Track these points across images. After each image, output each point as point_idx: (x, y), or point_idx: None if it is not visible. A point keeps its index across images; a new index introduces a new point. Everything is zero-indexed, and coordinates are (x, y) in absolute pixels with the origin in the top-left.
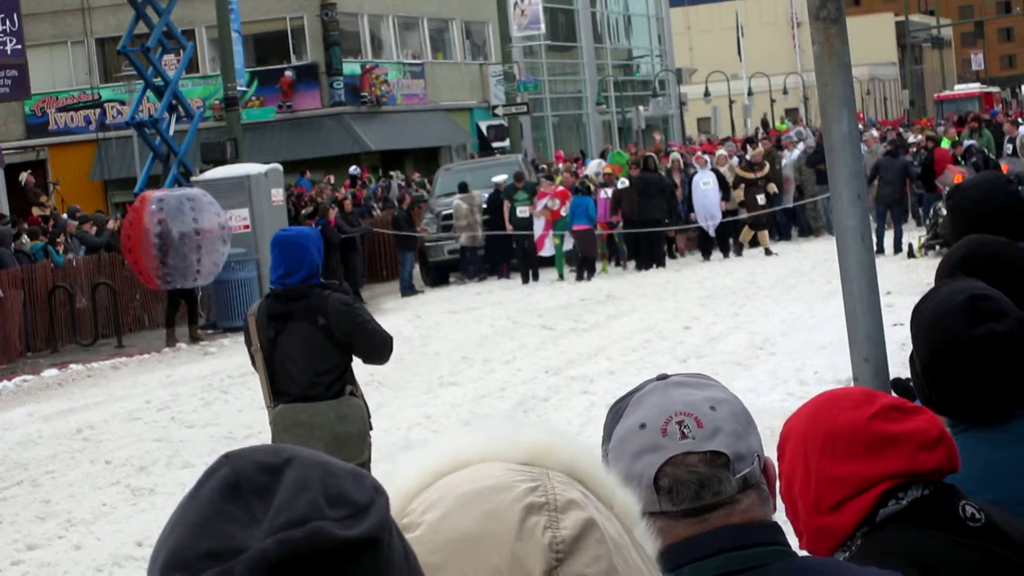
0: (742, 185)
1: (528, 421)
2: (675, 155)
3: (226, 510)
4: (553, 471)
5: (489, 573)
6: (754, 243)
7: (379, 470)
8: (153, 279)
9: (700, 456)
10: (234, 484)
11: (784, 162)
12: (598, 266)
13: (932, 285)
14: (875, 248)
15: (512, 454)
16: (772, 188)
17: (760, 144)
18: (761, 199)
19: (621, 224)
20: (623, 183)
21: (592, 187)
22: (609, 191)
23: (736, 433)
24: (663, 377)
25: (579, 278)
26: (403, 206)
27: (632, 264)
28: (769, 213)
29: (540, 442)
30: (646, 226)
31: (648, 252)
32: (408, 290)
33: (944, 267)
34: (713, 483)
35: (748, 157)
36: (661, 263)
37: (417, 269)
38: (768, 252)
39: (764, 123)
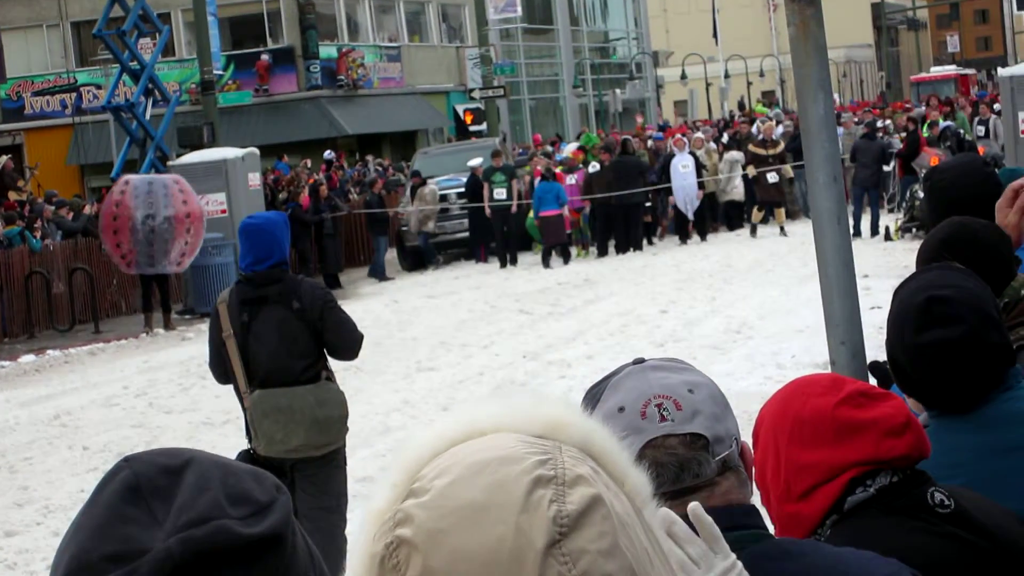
0: (751, 163)
1: (546, 394)
2: (678, 137)
3: (127, 512)
4: (566, 445)
5: (493, 542)
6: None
7: (357, 455)
8: (130, 264)
9: (680, 438)
10: (134, 487)
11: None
12: (572, 251)
13: (909, 268)
14: (852, 231)
15: (527, 426)
16: (787, 171)
17: (766, 120)
18: (772, 177)
19: (588, 208)
20: (594, 167)
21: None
22: (574, 176)
23: (714, 416)
24: (639, 361)
25: (546, 265)
26: (375, 189)
27: (596, 250)
28: (786, 192)
29: (556, 415)
30: (625, 210)
31: (625, 236)
32: (380, 275)
33: (925, 250)
34: (693, 465)
35: (760, 134)
36: (639, 247)
37: (394, 254)
38: (783, 231)
39: (741, 105)
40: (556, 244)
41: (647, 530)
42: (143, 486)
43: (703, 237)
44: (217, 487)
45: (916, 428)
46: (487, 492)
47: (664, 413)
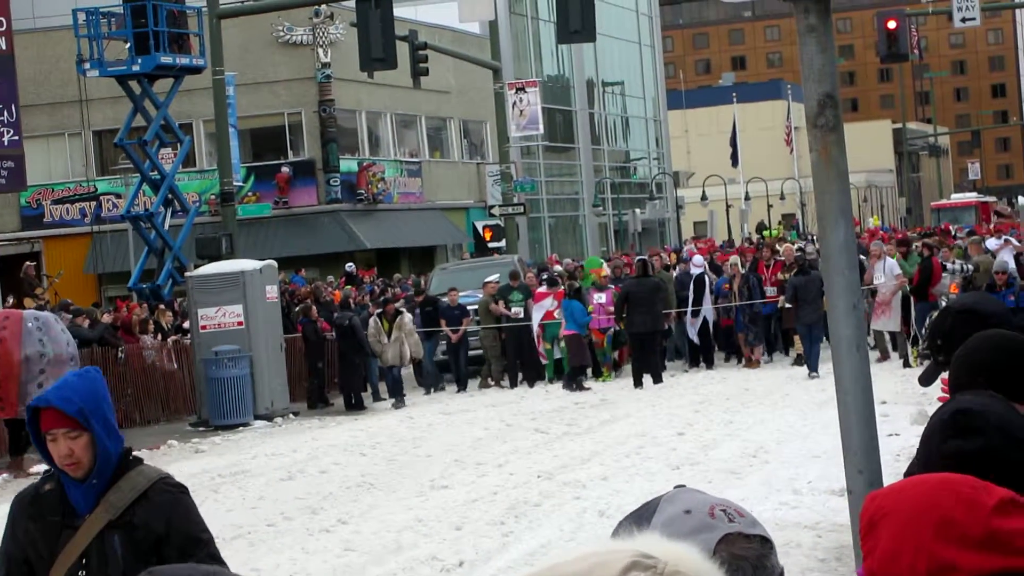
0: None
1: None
2: (734, 260)
3: None
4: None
5: None
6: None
7: (369, 573)
8: (5, 408)
9: (749, 538)
10: None
11: (878, 276)
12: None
13: (928, 395)
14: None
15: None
16: (781, 301)
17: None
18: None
19: (613, 329)
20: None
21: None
22: (603, 296)
23: (768, 531)
24: (680, 487)
25: (567, 388)
26: (371, 311)
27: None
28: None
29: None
30: (640, 339)
31: (640, 365)
32: (375, 396)
33: (966, 368)
34: (767, 564)
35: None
36: (657, 378)
37: (411, 371)
38: (800, 360)
39: (760, 228)
40: (577, 366)
41: None
42: None
43: (709, 364)
44: None
45: None
46: (587, 568)
47: (731, 516)
